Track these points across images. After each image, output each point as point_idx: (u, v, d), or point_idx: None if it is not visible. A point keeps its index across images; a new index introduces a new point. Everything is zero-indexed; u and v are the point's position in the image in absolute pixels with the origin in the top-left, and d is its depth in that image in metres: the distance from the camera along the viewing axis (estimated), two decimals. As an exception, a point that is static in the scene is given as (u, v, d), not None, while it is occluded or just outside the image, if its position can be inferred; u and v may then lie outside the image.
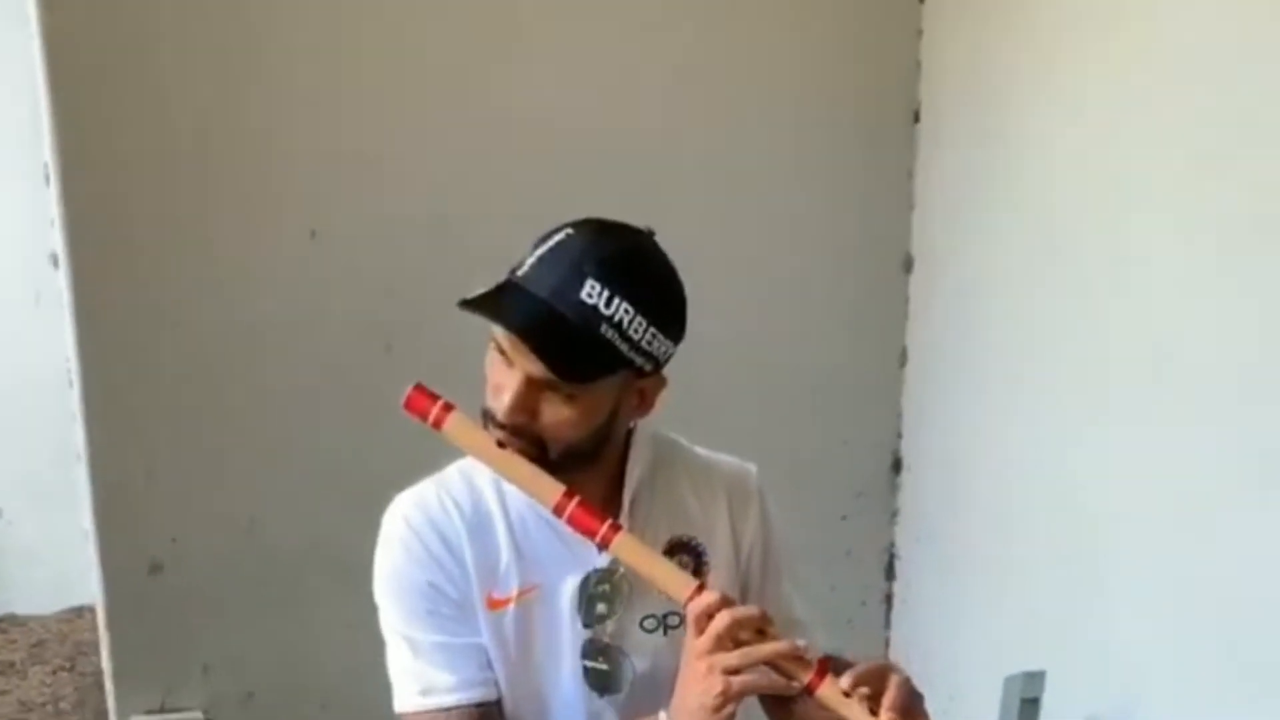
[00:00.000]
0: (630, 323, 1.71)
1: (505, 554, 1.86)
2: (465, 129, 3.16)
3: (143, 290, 3.00)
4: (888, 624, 3.85)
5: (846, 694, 1.67)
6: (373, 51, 3.08)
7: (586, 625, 1.88)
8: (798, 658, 1.71)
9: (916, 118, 3.55)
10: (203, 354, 3.09)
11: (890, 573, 3.84)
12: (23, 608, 4.74)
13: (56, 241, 2.93)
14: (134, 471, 3.10)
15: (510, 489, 1.85)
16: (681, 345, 1.81)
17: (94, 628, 4.04)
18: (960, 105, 3.41)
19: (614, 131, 3.29)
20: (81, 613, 4.65)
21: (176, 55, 2.93)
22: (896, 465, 3.76)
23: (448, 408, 1.76)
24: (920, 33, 3.50)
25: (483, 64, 3.15)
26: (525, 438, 1.75)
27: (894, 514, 3.79)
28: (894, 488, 3.78)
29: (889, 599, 3.86)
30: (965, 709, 3.14)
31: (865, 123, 3.55)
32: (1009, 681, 3.02)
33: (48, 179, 2.89)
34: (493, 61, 3.16)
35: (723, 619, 1.69)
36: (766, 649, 1.69)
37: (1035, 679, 3.00)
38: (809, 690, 1.70)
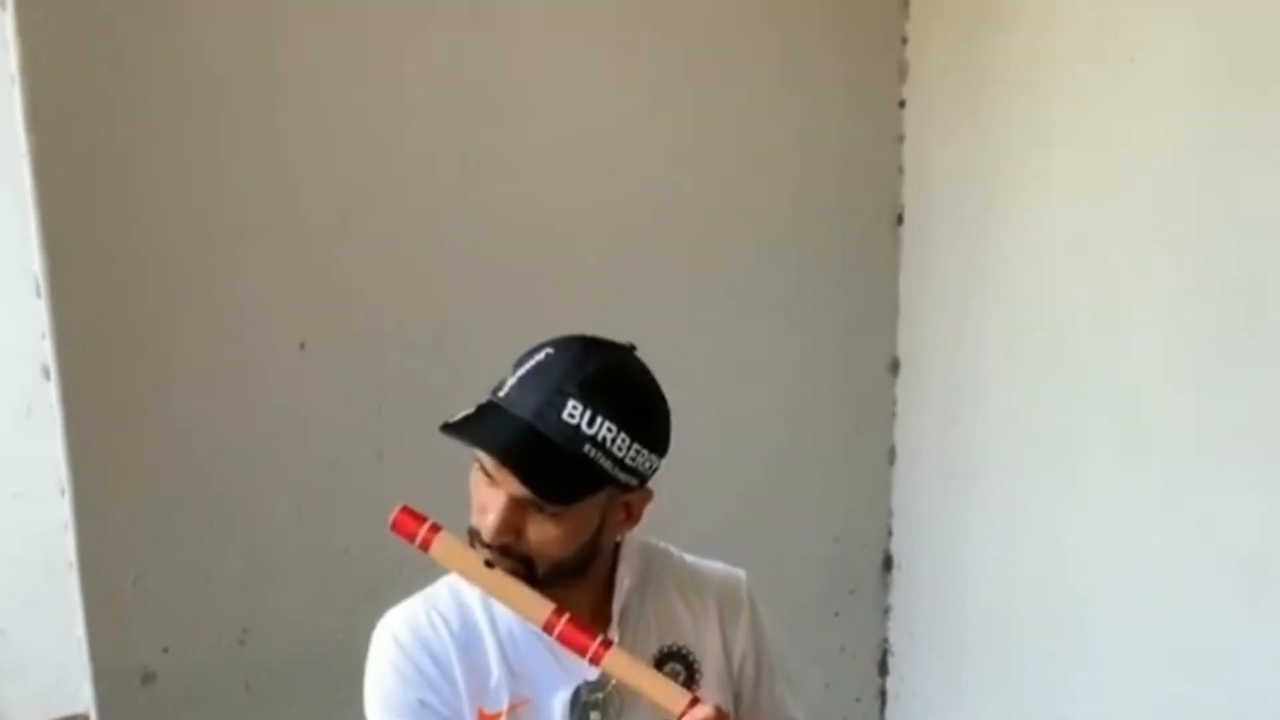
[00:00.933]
0: (613, 441, 1.72)
1: (495, 669, 1.87)
2: (457, 238, 3.19)
3: (134, 402, 3.01)
4: (882, 717, 3.84)
5: None
6: (362, 160, 3.11)
7: (578, 738, 1.87)
8: None
9: (900, 220, 3.60)
10: (194, 465, 3.10)
11: (884, 668, 3.84)
12: (16, 718, 4.70)
13: (47, 354, 2.95)
14: (124, 580, 3.10)
15: (499, 604, 1.85)
16: (671, 445, 1.83)
17: (86, 736, 4.02)
18: (943, 207, 3.45)
19: (605, 233, 3.32)
20: (74, 720, 4.62)
21: (166, 168, 2.95)
22: (888, 562, 3.77)
23: (434, 529, 1.77)
24: (902, 138, 3.55)
25: (472, 171, 3.18)
26: (512, 556, 1.76)
27: (886, 610, 3.80)
28: (886, 584, 3.79)
29: (883, 694, 3.85)
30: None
31: (849, 225, 3.59)
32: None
33: (38, 291, 2.92)
34: (483, 170, 3.19)
35: None
36: None
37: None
38: None
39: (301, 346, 3.09)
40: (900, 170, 3.57)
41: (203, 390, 3.06)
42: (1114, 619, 3.00)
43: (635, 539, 1.96)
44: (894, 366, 3.66)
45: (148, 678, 3.16)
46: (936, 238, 3.48)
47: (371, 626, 1.91)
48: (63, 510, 3.06)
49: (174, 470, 3.08)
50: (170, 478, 3.08)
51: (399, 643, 1.86)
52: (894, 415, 3.68)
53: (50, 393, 2.96)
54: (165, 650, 3.16)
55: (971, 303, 3.36)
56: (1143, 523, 2.91)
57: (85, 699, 3.23)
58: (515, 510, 1.74)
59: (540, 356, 1.77)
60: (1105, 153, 2.91)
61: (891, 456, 3.72)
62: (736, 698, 1.99)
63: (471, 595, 1.89)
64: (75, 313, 2.92)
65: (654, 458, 1.80)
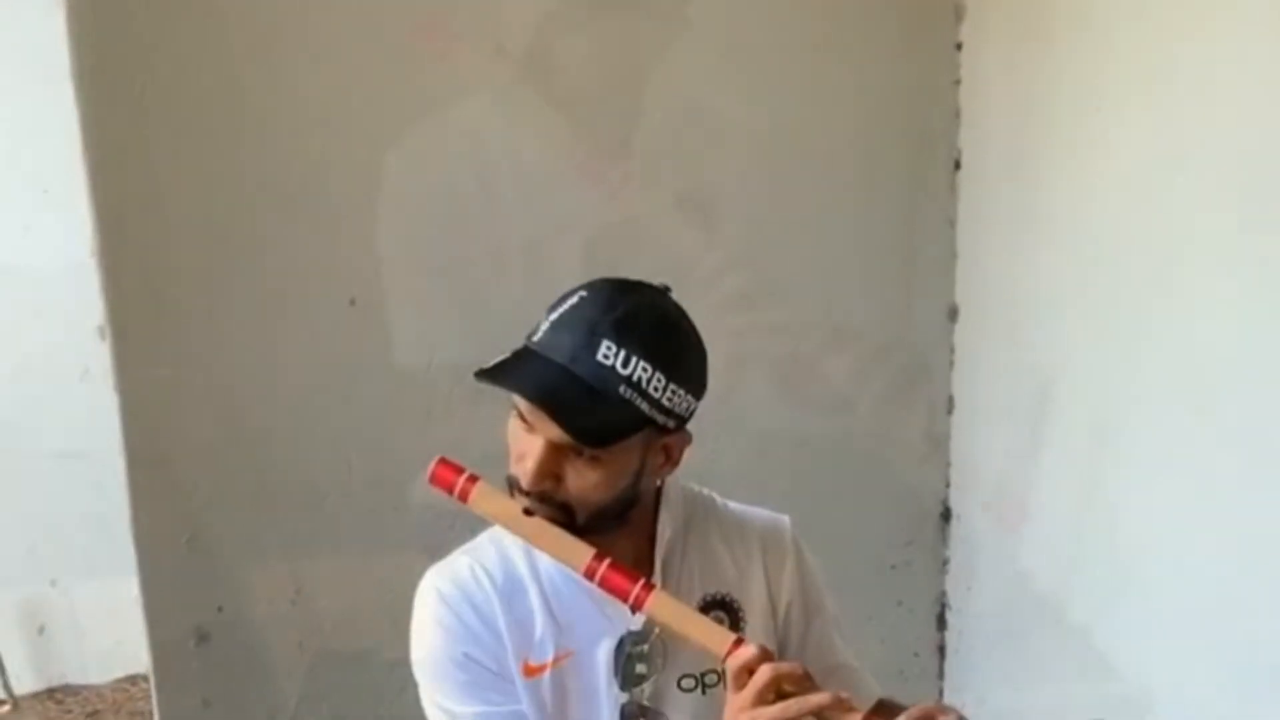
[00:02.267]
0: (649, 381, 1.73)
1: (539, 621, 1.88)
2: (507, 192, 3.19)
3: (188, 362, 3.05)
4: (941, 675, 3.83)
5: None
6: (414, 115, 3.12)
7: (623, 688, 1.89)
8: (842, 706, 1.70)
9: (958, 165, 3.56)
10: (247, 425, 3.13)
11: (942, 623, 3.83)
12: (77, 677, 4.79)
13: (101, 314, 2.98)
14: (178, 541, 3.14)
15: (542, 554, 1.87)
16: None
17: (148, 696, 4.08)
18: (1001, 150, 3.42)
19: (656, 188, 3.32)
20: (135, 681, 4.69)
21: (219, 125, 2.98)
22: (946, 514, 3.75)
23: (472, 479, 1.78)
24: (958, 81, 3.52)
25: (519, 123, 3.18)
26: (551, 504, 1.77)
27: (944, 563, 3.79)
28: (944, 537, 3.77)
29: (941, 649, 3.84)
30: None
31: (909, 170, 3.56)
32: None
33: (92, 250, 2.95)
34: (530, 121, 3.19)
35: (764, 673, 1.69)
36: (809, 701, 1.68)
37: (1096, 730, 2.99)
38: None
39: (351, 303, 3.12)
40: (957, 114, 3.53)
41: (254, 349, 3.10)
42: (1175, 573, 2.96)
43: (677, 485, 1.97)
44: (952, 313, 3.62)
45: (202, 638, 3.21)
46: (994, 181, 3.45)
47: (414, 588, 1.93)
48: (119, 471, 3.10)
49: (226, 430, 3.12)
50: (223, 438, 3.12)
51: (443, 597, 1.88)
52: (952, 364, 3.66)
53: (105, 354, 2.99)
54: (219, 610, 3.21)
55: (1030, 248, 3.33)
56: (1208, 474, 2.87)
57: (145, 660, 3.28)
58: (553, 456, 1.75)
59: (573, 300, 1.78)
60: (1167, 89, 2.87)
61: (950, 406, 3.69)
62: (782, 646, 1.99)
63: (515, 548, 1.91)
64: (128, 273, 2.97)
65: (690, 398, 1.80)
